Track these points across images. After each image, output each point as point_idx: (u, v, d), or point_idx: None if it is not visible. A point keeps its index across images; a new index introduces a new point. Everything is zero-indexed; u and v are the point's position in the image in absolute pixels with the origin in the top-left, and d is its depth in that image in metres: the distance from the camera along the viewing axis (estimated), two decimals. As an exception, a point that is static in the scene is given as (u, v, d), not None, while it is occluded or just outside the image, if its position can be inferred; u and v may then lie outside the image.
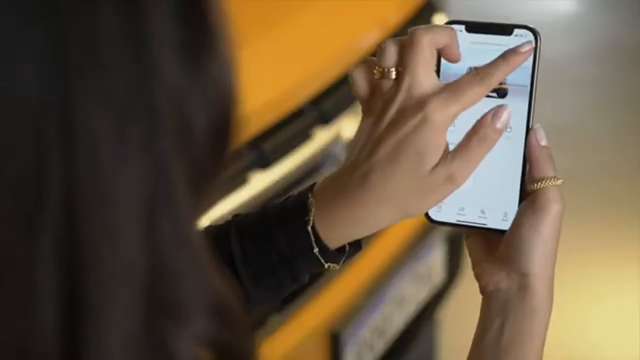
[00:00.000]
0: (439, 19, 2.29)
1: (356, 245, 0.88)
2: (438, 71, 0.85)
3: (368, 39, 2.05)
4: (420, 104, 0.80)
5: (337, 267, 0.87)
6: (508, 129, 0.84)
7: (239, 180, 1.68)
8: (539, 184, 0.82)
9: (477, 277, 0.85)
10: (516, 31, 0.84)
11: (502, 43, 0.84)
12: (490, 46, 0.85)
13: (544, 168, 0.83)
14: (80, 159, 0.47)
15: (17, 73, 0.46)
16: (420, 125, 0.80)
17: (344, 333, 1.96)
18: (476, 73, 0.82)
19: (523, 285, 0.82)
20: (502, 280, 0.83)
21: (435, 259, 2.25)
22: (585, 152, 3.76)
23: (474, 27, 0.85)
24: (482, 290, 0.85)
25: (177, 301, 0.51)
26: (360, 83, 0.85)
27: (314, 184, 0.87)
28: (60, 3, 0.46)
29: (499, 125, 0.82)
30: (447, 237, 2.27)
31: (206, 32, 0.50)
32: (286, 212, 0.86)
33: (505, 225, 0.84)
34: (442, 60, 0.85)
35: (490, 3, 4.94)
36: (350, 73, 0.85)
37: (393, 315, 2.13)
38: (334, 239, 0.85)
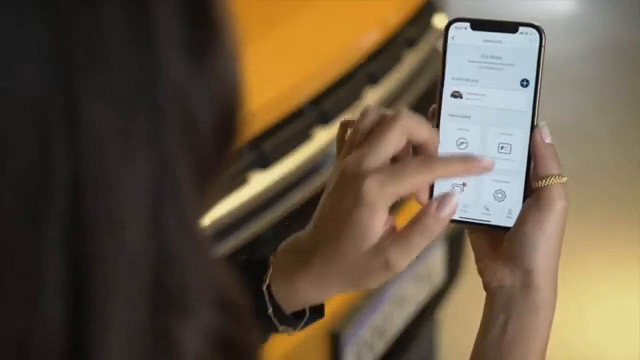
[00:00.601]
0: (439, 18, 2.29)
1: (318, 312, 0.88)
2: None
3: (368, 39, 2.05)
4: (359, 178, 0.78)
5: (292, 331, 0.87)
6: (510, 131, 0.84)
7: (239, 180, 1.68)
8: (544, 181, 0.82)
9: (481, 273, 0.85)
10: (521, 29, 0.85)
11: (507, 41, 0.85)
12: (495, 44, 0.85)
13: (549, 165, 0.83)
14: (85, 157, 0.47)
15: (19, 72, 0.46)
16: (355, 204, 0.78)
17: (344, 333, 1.96)
18: (426, 159, 0.80)
19: (527, 282, 0.82)
20: (505, 277, 0.83)
21: (435, 259, 2.25)
22: (585, 152, 3.76)
23: (479, 25, 0.86)
24: (486, 287, 0.85)
25: (182, 295, 0.51)
26: (339, 143, 0.85)
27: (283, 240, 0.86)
28: (61, 1, 0.46)
29: (442, 215, 0.79)
30: (447, 237, 2.27)
31: (211, 28, 0.50)
32: (250, 266, 0.86)
33: (509, 222, 0.84)
34: (447, 69, 0.85)
35: (490, 3, 4.94)
36: (337, 132, 0.85)
37: (393, 315, 2.13)
38: (289, 302, 0.84)
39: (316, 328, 2.06)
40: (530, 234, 0.82)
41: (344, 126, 0.85)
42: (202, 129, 0.50)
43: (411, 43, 2.16)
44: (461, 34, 0.86)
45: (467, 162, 0.80)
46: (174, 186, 0.49)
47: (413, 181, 0.79)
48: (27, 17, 0.46)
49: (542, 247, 0.81)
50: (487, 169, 0.81)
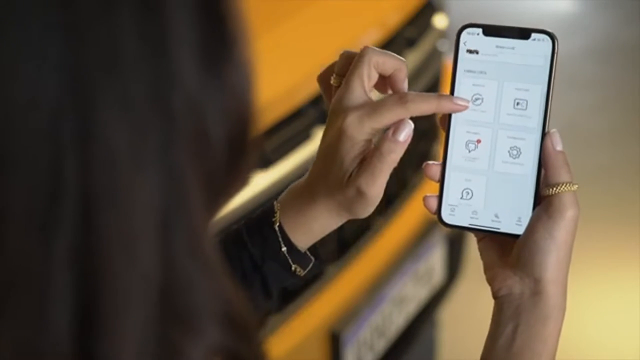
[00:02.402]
0: (439, 19, 2.29)
1: (320, 261, 0.92)
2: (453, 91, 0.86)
3: (368, 39, 2.05)
4: (342, 115, 0.84)
5: (303, 272, 0.91)
6: (521, 136, 0.84)
7: (239, 180, 1.68)
8: (555, 188, 0.82)
9: (489, 281, 0.85)
10: (534, 35, 0.85)
11: (519, 47, 0.85)
12: (507, 50, 0.85)
13: (560, 173, 0.83)
14: (97, 167, 0.47)
15: (38, 80, 0.46)
16: (338, 136, 0.84)
17: (344, 333, 1.96)
18: (402, 96, 0.84)
19: (536, 290, 0.82)
20: (515, 285, 0.82)
21: (435, 259, 2.25)
22: (584, 152, 3.76)
23: (491, 31, 0.85)
24: (494, 295, 0.84)
25: (190, 311, 0.51)
26: (324, 88, 0.89)
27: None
28: (81, 12, 0.46)
29: (400, 138, 0.83)
30: (447, 237, 2.27)
31: (225, 40, 0.51)
32: (254, 219, 0.90)
33: (519, 230, 0.84)
34: (457, 73, 0.86)
35: (490, 3, 4.94)
36: (317, 78, 0.90)
37: (393, 315, 2.13)
38: (301, 236, 0.89)
39: (316, 328, 2.05)
40: (540, 241, 0.81)
41: (327, 72, 0.89)
42: (214, 142, 0.50)
43: (411, 43, 2.16)
44: (473, 40, 0.86)
45: (440, 100, 0.84)
46: (184, 200, 0.49)
47: (389, 116, 0.83)
48: (50, 23, 0.46)
49: (552, 255, 0.81)
50: (460, 108, 0.85)
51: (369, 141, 0.84)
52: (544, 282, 0.81)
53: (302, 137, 1.83)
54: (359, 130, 0.83)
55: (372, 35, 2.07)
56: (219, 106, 0.50)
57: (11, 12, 0.46)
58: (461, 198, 0.86)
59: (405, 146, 0.83)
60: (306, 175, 0.89)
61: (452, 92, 0.86)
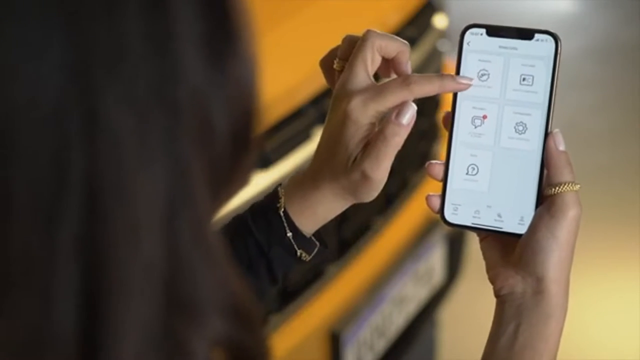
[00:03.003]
0: (439, 19, 2.29)
1: (325, 246, 0.93)
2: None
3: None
4: (346, 99, 0.84)
5: (308, 257, 0.91)
6: (525, 136, 0.84)
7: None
8: (557, 188, 0.82)
9: (491, 280, 0.85)
10: (537, 36, 0.85)
11: (522, 47, 0.85)
12: (510, 50, 0.85)
13: (562, 173, 0.83)
14: (102, 158, 0.47)
15: (41, 76, 0.46)
16: (342, 120, 0.84)
17: (344, 333, 1.96)
18: (405, 78, 0.84)
19: (538, 289, 0.82)
20: (517, 284, 0.83)
21: (435, 259, 2.25)
22: (585, 152, 3.76)
23: (495, 31, 0.86)
24: (496, 294, 0.84)
25: (194, 302, 0.51)
26: (326, 72, 0.90)
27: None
28: (84, 9, 0.47)
29: (403, 121, 0.83)
30: (447, 237, 2.27)
31: (230, 33, 0.51)
32: (258, 205, 0.91)
33: (521, 229, 0.84)
34: (462, 74, 0.86)
35: (490, 3, 4.94)
36: (320, 62, 0.90)
37: (393, 315, 2.13)
38: (306, 221, 0.89)
39: (316, 328, 2.05)
40: (542, 241, 0.82)
41: (330, 57, 0.90)
42: (218, 135, 0.51)
43: (411, 43, 2.16)
44: (477, 40, 0.86)
45: (443, 80, 0.84)
46: (188, 192, 0.49)
47: (393, 99, 0.83)
48: (50, 23, 0.46)
49: (554, 255, 0.81)
50: (463, 87, 0.85)
51: (373, 124, 0.84)
52: (546, 282, 0.81)
53: (302, 137, 1.83)
54: (363, 114, 0.83)
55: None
56: (223, 100, 0.51)
57: (11, 11, 0.46)
58: (467, 174, 0.86)
59: (409, 129, 0.83)
60: (313, 157, 0.89)
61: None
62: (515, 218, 0.85)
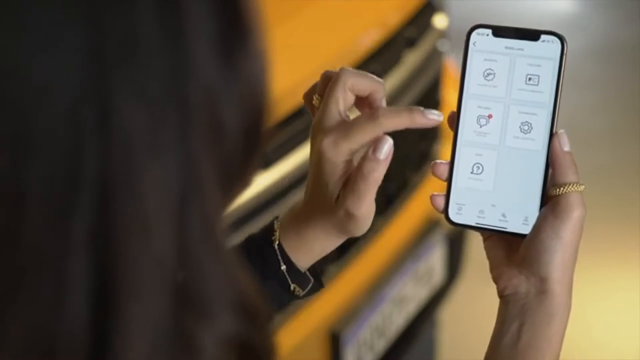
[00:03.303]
0: (439, 19, 2.29)
1: (319, 281, 0.92)
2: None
3: (368, 39, 2.05)
4: (320, 136, 0.84)
5: (302, 292, 0.90)
6: (531, 135, 0.84)
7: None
8: (562, 189, 0.82)
9: (495, 280, 0.85)
10: (543, 37, 0.85)
11: (528, 48, 0.85)
12: (516, 51, 0.85)
13: (567, 173, 0.83)
14: (115, 152, 0.47)
15: (58, 66, 0.46)
16: (318, 161, 0.84)
17: (344, 333, 1.96)
18: (372, 113, 0.83)
19: (542, 289, 0.82)
20: (521, 284, 0.83)
21: (435, 259, 2.25)
22: (585, 152, 3.76)
23: (501, 32, 0.86)
24: (500, 294, 0.85)
25: (203, 296, 0.51)
26: (308, 105, 0.90)
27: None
28: (101, 1, 0.47)
29: (380, 156, 0.82)
30: (447, 237, 2.27)
31: (242, 30, 0.52)
32: (254, 237, 0.90)
33: (525, 230, 0.84)
34: (467, 73, 0.86)
35: (490, 3, 4.94)
36: (303, 96, 0.91)
37: (393, 315, 2.13)
38: (301, 256, 0.89)
39: (316, 328, 2.06)
40: (546, 241, 0.82)
41: (311, 91, 0.90)
42: (229, 131, 0.51)
43: (411, 43, 2.16)
44: (483, 40, 0.86)
45: (412, 114, 0.83)
46: (199, 187, 0.50)
47: (363, 135, 0.82)
48: (66, 15, 0.47)
49: (558, 255, 0.81)
50: (433, 122, 0.83)
51: (349, 162, 0.83)
52: (549, 282, 0.82)
53: (302, 137, 1.83)
54: (336, 153, 0.82)
55: (372, 35, 2.07)
56: (234, 96, 0.51)
57: (32, 3, 0.46)
58: (472, 173, 0.86)
59: (387, 164, 0.82)
60: (303, 198, 0.89)
61: (461, 92, 0.86)
62: (520, 218, 0.85)
